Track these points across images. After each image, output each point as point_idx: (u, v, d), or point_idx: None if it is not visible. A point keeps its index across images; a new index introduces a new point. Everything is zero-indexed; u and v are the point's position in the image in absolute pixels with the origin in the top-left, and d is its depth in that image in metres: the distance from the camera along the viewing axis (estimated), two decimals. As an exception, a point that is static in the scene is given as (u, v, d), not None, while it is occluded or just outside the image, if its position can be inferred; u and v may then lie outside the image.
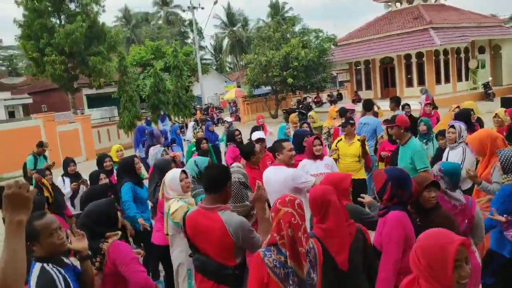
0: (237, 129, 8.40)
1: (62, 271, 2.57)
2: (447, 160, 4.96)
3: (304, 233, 2.54)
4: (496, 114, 6.47)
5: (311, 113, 10.05)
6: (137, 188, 5.36)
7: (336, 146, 6.53)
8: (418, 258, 1.98)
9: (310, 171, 5.13)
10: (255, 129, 8.03)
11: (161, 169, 4.87)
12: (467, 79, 28.16)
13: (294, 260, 2.47)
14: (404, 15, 29.13)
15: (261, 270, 2.51)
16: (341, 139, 6.60)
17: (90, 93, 29.07)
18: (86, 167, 17.56)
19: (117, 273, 2.96)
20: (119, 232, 3.14)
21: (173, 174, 4.12)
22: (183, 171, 4.14)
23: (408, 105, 8.97)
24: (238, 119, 32.04)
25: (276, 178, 4.52)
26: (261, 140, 6.41)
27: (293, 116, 9.47)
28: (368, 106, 8.32)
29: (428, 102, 10.54)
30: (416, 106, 23.49)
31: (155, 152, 7.19)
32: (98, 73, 21.38)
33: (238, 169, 3.85)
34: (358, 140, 6.32)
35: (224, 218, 2.94)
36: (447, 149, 5.31)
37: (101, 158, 6.82)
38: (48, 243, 2.56)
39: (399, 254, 3.02)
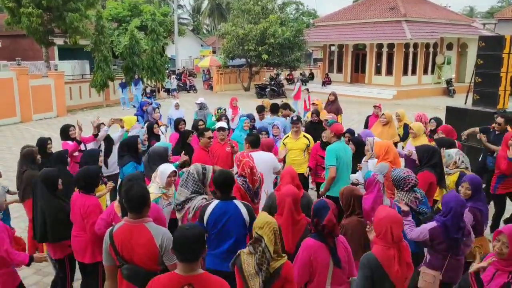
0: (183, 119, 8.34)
1: None
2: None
3: (254, 169, 4.88)
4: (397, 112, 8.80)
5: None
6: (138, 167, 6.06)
7: (283, 143, 7.31)
8: None
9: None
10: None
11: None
12: (432, 73, 29.49)
13: (251, 182, 4.86)
14: (382, 3, 29.86)
15: (237, 185, 4.64)
16: (288, 136, 7.41)
17: (62, 44, 28.62)
18: (57, 123, 17.91)
19: None
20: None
21: (164, 169, 4.64)
22: (175, 171, 4.72)
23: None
24: (210, 87, 32.38)
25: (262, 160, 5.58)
26: (222, 129, 6.86)
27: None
28: (275, 109, 9.43)
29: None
30: (381, 95, 24.78)
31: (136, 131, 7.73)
32: (74, 30, 21.21)
33: (196, 166, 4.57)
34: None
35: (151, 230, 3.30)
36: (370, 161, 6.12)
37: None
38: None
39: (301, 277, 3.43)
